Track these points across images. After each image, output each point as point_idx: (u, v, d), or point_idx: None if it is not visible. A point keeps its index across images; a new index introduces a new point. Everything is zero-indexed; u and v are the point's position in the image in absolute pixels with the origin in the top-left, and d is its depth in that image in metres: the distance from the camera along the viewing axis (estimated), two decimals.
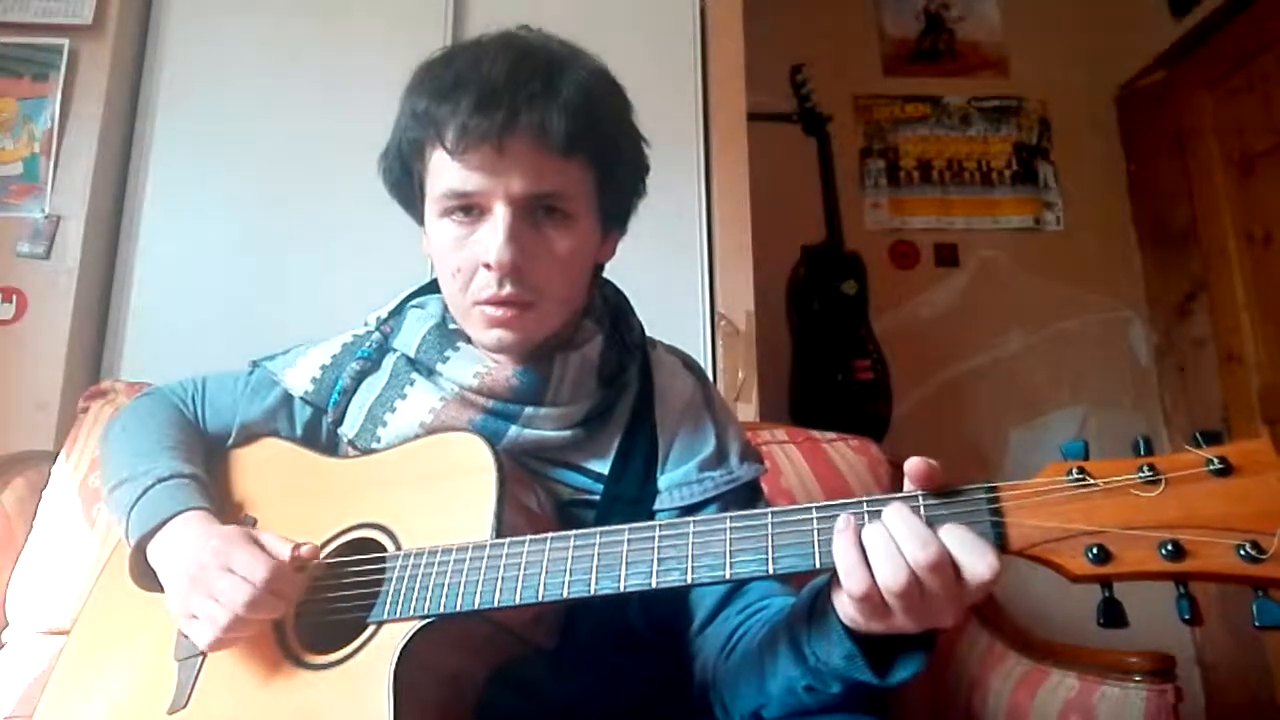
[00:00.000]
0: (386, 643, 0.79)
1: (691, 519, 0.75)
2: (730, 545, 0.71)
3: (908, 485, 0.69)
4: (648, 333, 1.09)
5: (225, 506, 1.00)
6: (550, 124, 0.85)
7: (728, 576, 0.70)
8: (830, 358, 2.55)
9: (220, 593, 0.82)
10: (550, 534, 0.78)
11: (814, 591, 0.77)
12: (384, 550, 0.87)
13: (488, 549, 0.79)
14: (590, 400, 0.98)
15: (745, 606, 0.92)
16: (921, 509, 0.66)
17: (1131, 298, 2.92)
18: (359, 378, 1.03)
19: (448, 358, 0.97)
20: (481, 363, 0.96)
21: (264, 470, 1.04)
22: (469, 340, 0.98)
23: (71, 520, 1.46)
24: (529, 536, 0.78)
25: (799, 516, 0.70)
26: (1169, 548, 0.58)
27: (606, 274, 1.08)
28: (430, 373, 0.99)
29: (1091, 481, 0.61)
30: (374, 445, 0.98)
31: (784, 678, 0.78)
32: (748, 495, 1.01)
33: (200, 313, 1.89)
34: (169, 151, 1.97)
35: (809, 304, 2.61)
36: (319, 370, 1.04)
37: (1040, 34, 3.08)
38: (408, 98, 0.92)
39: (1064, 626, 1.45)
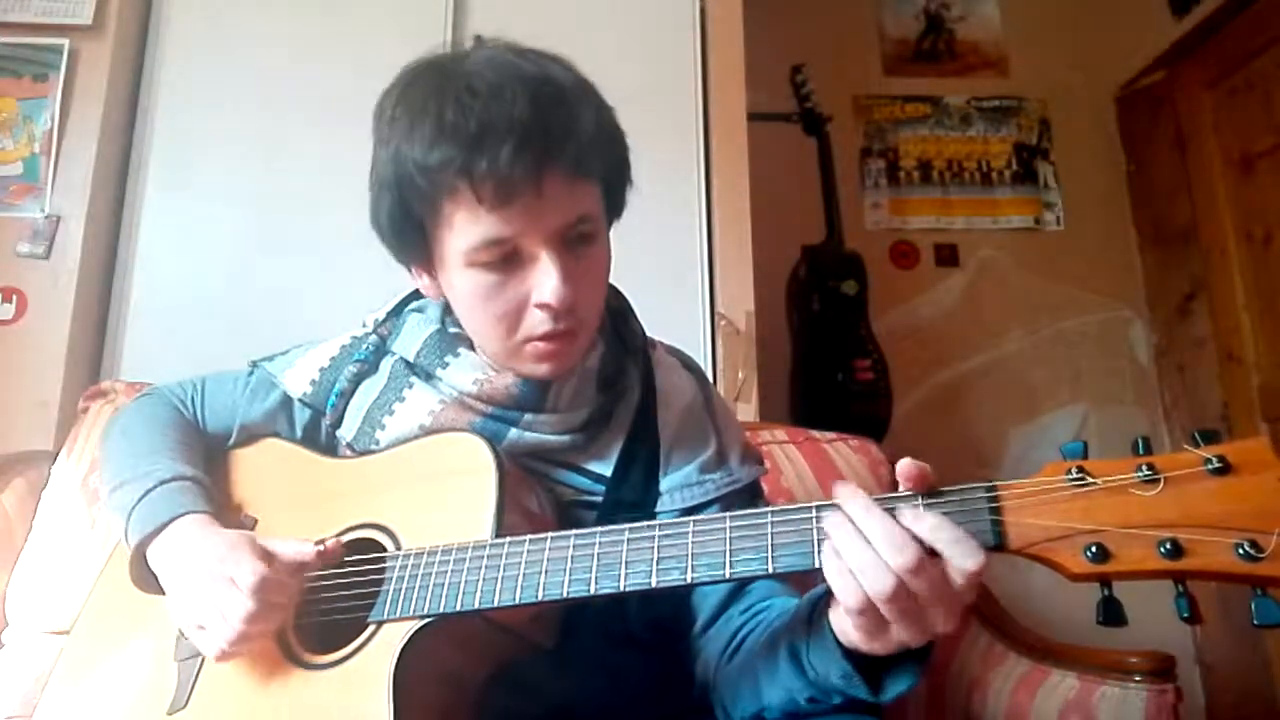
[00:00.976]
0: (387, 642, 0.79)
1: (691, 518, 0.75)
2: (730, 544, 0.71)
3: (902, 487, 0.69)
4: (648, 333, 1.09)
5: (225, 507, 1.00)
6: (581, 154, 0.84)
7: (727, 576, 0.70)
8: (830, 358, 2.55)
9: (227, 607, 0.83)
10: (550, 534, 0.78)
11: (811, 602, 0.77)
12: (384, 550, 0.87)
13: (488, 549, 0.79)
14: (589, 406, 0.97)
15: (748, 607, 0.92)
16: (921, 509, 0.66)
17: (1131, 298, 2.92)
18: (356, 380, 1.02)
19: (447, 363, 0.97)
20: (482, 370, 0.95)
21: (264, 471, 1.04)
22: (470, 346, 0.98)
23: (71, 520, 1.46)
24: (529, 536, 0.78)
25: (799, 516, 0.70)
26: (1167, 546, 0.58)
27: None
28: (429, 377, 0.99)
29: (1090, 481, 0.62)
30: (372, 447, 0.97)
31: (784, 688, 0.78)
32: (748, 497, 1.01)
33: (200, 313, 1.89)
34: (169, 152, 1.97)
35: (809, 304, 2.60)
36: (317, 372, 1.04)
37: (1040, 34, 3.08)
38: (406, 143, 0.85)
39: (1064, 626, 1.45)
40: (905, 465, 0.68)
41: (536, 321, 0.88)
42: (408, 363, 1.00)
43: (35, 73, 1.92)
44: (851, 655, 0.71)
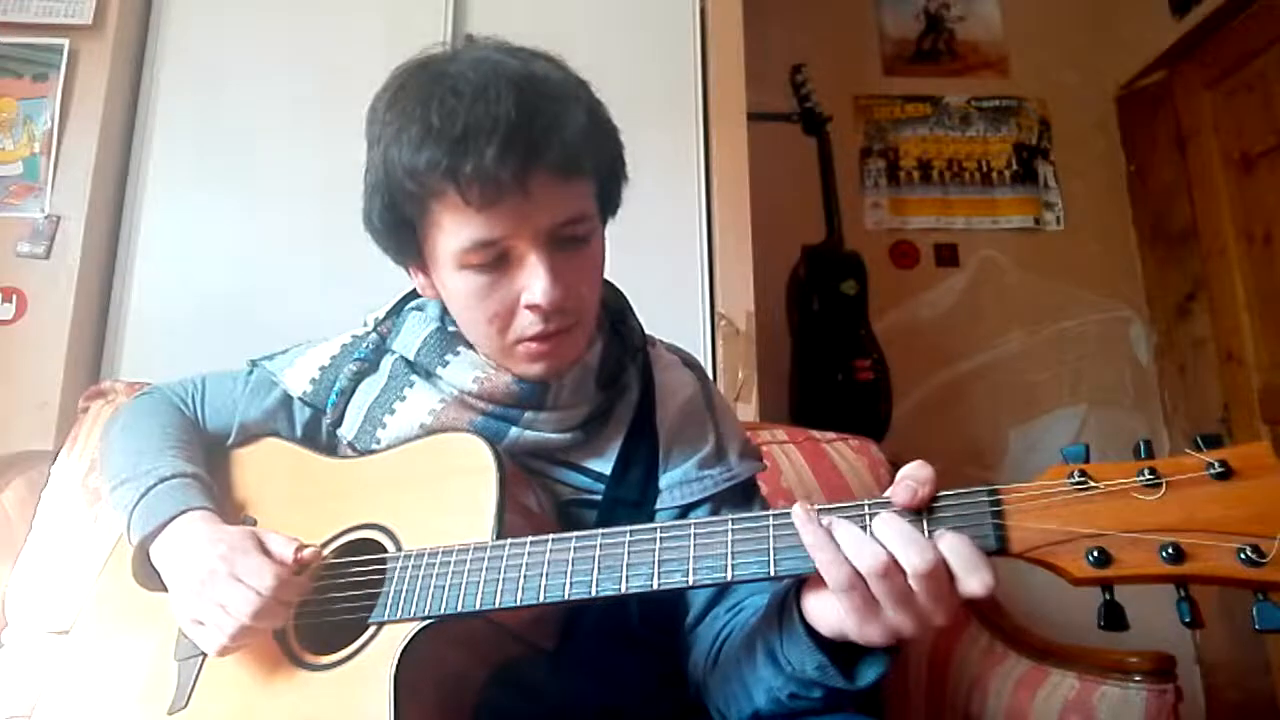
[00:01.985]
0: (387, 643, 0.79)
1: (693, 521, 0.75)
2: (732, 547, 0.71)
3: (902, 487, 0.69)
4: (647, 332, 1.09)
5: (225, 507, 1.00)
6: (569, 152, 0.83)
7: (729, 579, 0.70)
8: (830, 358, 2.55)
9: (228, 601, 0.83)
10: (551, 535, 0.78)
11: (780, 597, 0.77)
12: (385, 551, 0.87)
13: (489, 550, 0.79)
14: (590, 404, 0.98)
15: (733, 605, 0.92)
16: (923, 511, 0.66)
17: (1131, 298, 2.92)
18: (357, 379, 1.02)
19: (447, 362, 0.97)
20: (482, 368, 0.95)
21: (264, 470, 1.04)
22: (470, 345, 0.98)
23: (71, 520, 1.46)
24: (530, 538, 0.78)
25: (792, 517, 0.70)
26: (1169, 551, 0.58)
27: (606, 274, 1.08)
28: (429, 375, 0.99)
29: (1092, 484, 0.62)
30: (373, 447, 0.97)
31: (767, 688, 0.79)
32: (745, 493, 1.01)
33: (200, 313, 1.89)
34: (169, 151, 1.97)
35: (809, 304, 2.60)
36: (317, 371, 1.04)
37: (1040, 34, 3.08)
38: (395, 146, 0.85)
39: (1064, 626, 1.45)
40: (913, 468, 0.68)
41: (528, 323, 0.89)
42: (408, 361, 1.00)
43: (35, 73, 1.92)
44: (824, 645, 0.71)
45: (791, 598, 0.74)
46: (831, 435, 1.60)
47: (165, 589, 0.90)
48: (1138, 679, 1.16)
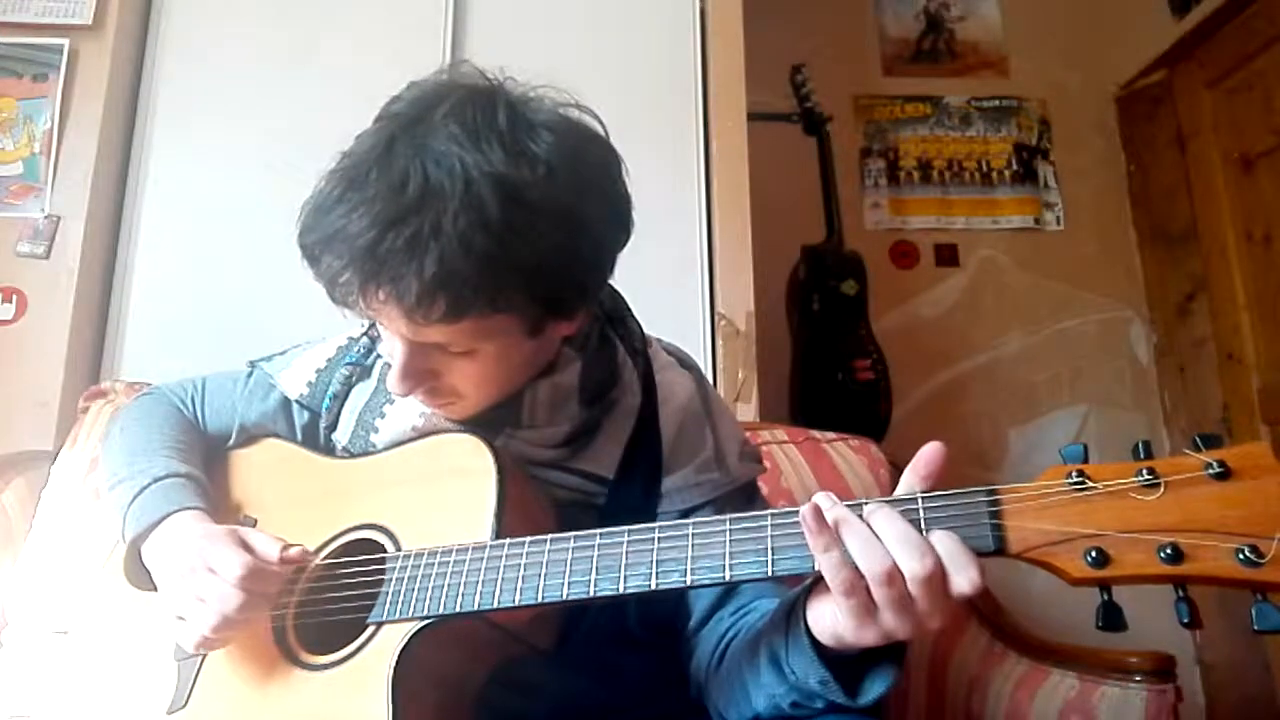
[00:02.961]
0: (386, 643, 0.79)
1: (691, 521, 0.75)
2: (730, 547, 0.71)
3: (907, 485, 0.69)
4: (646, 332, 1.08)
5: (225, 507, 1.00)
6: (414, 301, 0.77)
7: (727, 579, 0.70)
8: (830, 358, 2.55)
9: (204, 593, 0.83)
10: (550, 535, 0.78)
11: (788, 605, 0.76)
12: (384, 551, 0.87)
13: (487, 550, 0.79)
14: (572, 421, 0.95)
15: (738, 609, 0.92)
16: (921, 511, 0.66)
17: (1131, 298, 2.92)
18: (349, 383, 1.02)
19: (392, 405, 0.97)
20: (420, 411, 0.94)
21: (264, 471, 1.04)
22: None
23: (71, 520, 1.46)
24: (528, 538, 0.79)
25: (799, 518, 0.70)
26: (1168, 551, 0.58)
27: None
28: None
29: (1091, 485, 0.62)
30: (369, 450, 0.97)
31: (768, 694, 0.78)
32: (746, 496, 1.01)
33: (200, 313, 1.88)
34: (169, 151, 1.96)
35: (809, 304, 2.60)
36: (313, 374, 1.04)
37: (1040, 34, 3.07)
38: (312, 195, 0.85)
39: (1064, 626, 1.45)
40: (931, 450, 0.69)
41: None
42: None
43: (35, 73, 1.91)
44: (828, 659, 0.71)
45: (799, 606, 0.74)
46: (831, 435, 1.60)
47: (155, 588, 0.91)
48: (1138, 679, 1.16)
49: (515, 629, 0.84)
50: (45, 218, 1.86)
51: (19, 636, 1.43)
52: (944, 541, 0.63)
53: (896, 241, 2.92)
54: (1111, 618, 0.60)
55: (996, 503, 0.64)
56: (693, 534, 0.73)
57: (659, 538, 0.73)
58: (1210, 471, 0.59)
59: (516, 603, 0.76)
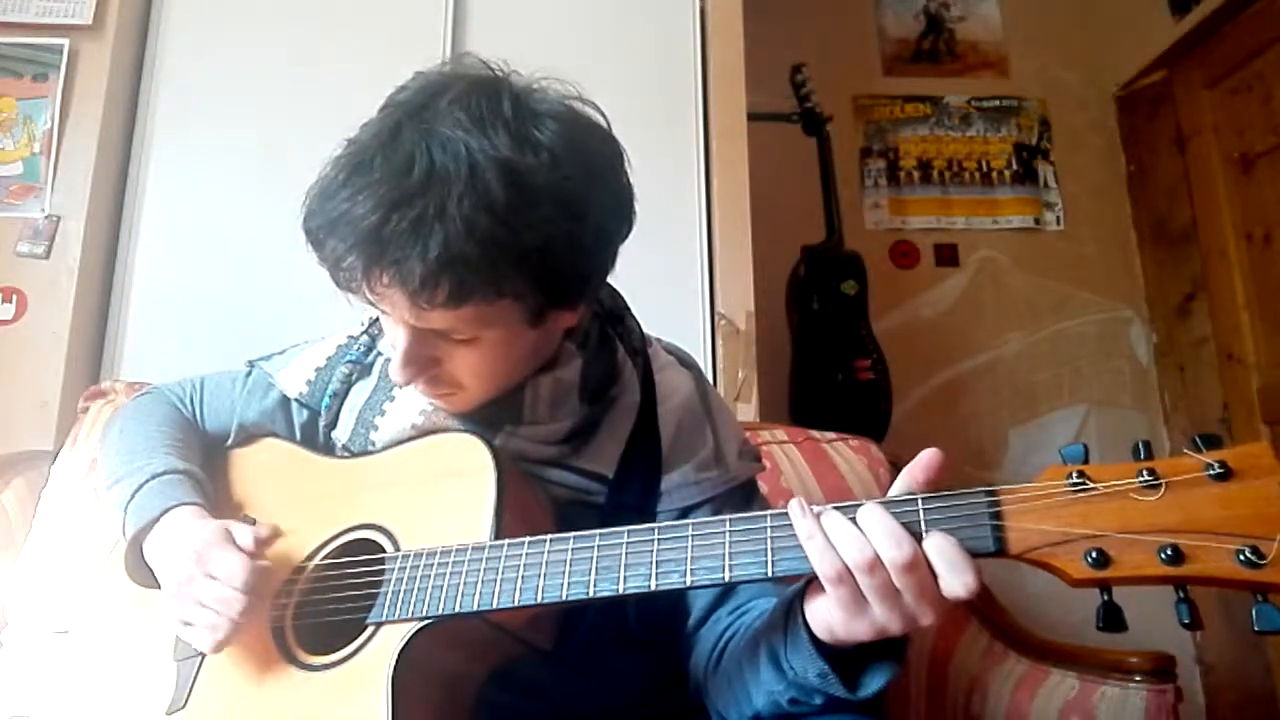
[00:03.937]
0: (385, 644, 0.79)
1: (691, 521, 0.75)
2: (729, 548, 0.71)
3: (903, 486, 0.69)
4: (646, 332, 1.08)
5: (224, 506, 1.00)
6: (417, 284, 0.77)
7: (727, 579, 0.70)
8: (830, 358, 2.55)
9: (209, 600, 0.83)
10: (549, 536, 0.78)
11: (787, 602, 0.77)
12: (383, 551, 0.87)
13: (486, 550, 0.79)
14: (574, 418, 0.95)
15: (736, 608, 0.92)
16: (920, 512, 0.66)
17: (1131, 298, 2.92)
18: (349, 381, 1.02)
19: (394, 398, 0.97)
20: (423, 407, 0.95)
21: (263, 471, 1.04)
22: None
23: (71, 520, 1.46)
24: (528, 538, 0.78)
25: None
26: (1168, 552, 0.58)
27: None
28: None
29: (1091, 485, 0.61)
30: (368, 449, 0.97)
31: (767, 690, 0.78)
32: (745, 494, 1.01)
33: (200, 313, 1.88)
34: (169, 152, 1.96)
35: (809, 304, 2.60)
36: (313, 372, 1.04)
37: (1040, 34, 3.08)
38: (316, 181, 0.84)
39: (1064, 626, 1.45)
40: (929, 455, 0.69)
41: None
42: None
43: (35, 73, 1.91)
44: (827, 653, 0.71)
45: (797, 603, 0.74)
46: (831, 435, 1.60)
47: (158, 585, 0.91)
48: (1138, 679, 1.16)
49: (514, 629, 0.83)
50: (45, 218, 1.86)
51: (19, 636, 1.43)
52: (940, 544, 0.64)
53: (896, 241, 2.93)
54: (1112, 619, 0.60)
55: (996, 503, 0.64)
56: (692, 535, 0.72)
57: (658, 538, 0.73)
58: (1210, 472, 0.59)
59: (516, 603, 0.76)
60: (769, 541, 0.70)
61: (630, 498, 0.95)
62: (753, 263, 1.95)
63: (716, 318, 1.92)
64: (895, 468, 1.52)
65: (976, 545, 0.63)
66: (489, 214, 0.76)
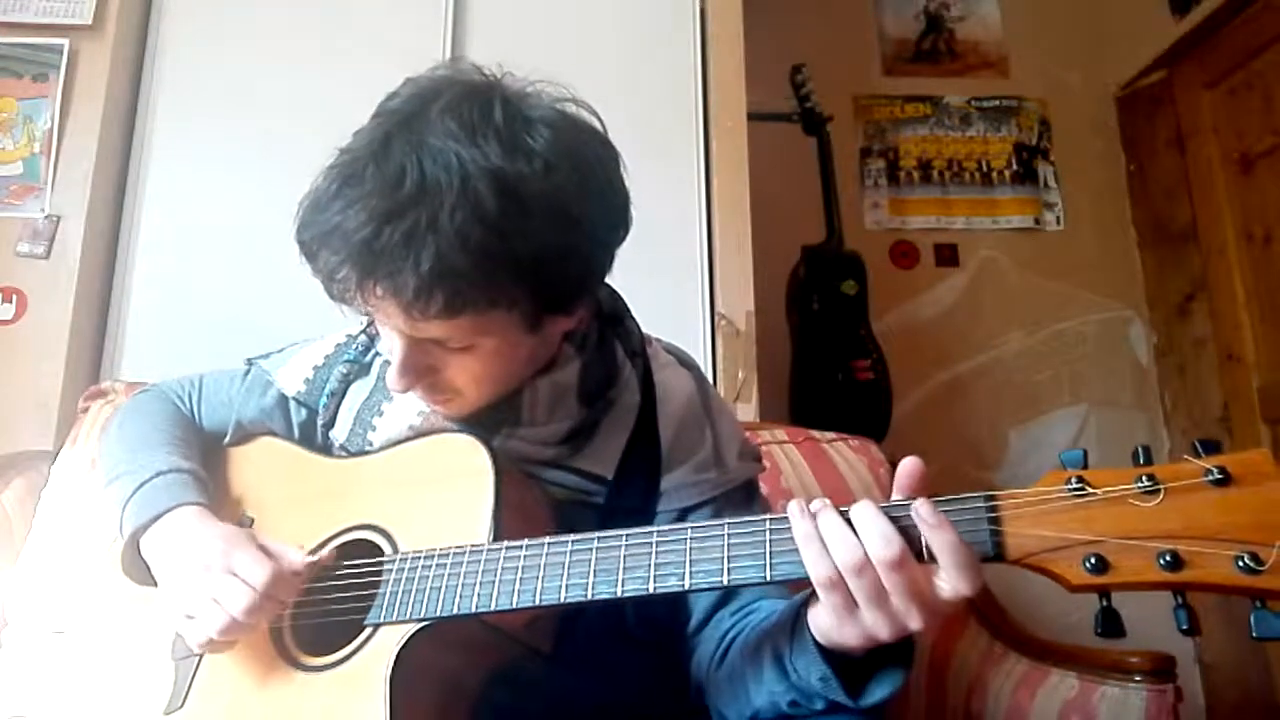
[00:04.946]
0: (383, 645, 0.79)
1: (689, 524, 0.75)
2: (728, 551, 0.71)
3: (902, 491, 0.69)
4: (646, 332, 1.08)
5: (222, 505, 1.00)
6: (411, 296, 0.77)
7: (725, 582, 0.70)
8: (830, 358, 2.55)
9: (222, 595, 0.83)
10: (548, 538, 0.78)
11: (795, 606, 0.77)
12: (381, 552, 0.87)
13: (485, 552, 0.79)
14: (572, 419, 0.95)
15: (739, 609, 0.92)
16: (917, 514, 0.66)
17: (1131, 298, 2.91)
18: (347, 381, 1.02)
19: (393, 400, 0.97)
20: (420, 409, 0.94)
21: (261, 469, 1.04)
22: None
23: (71, 520, 1.46)
24: (526, 540, 0.79)
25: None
26: (1167, 558, 0.58)
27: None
28: None
29: (1090, 491, 0.61)
30: (365, 449, 0.97)
31: (769, 692, 0.79)
32: (745, 495, 1.01)
33: (200, 313, 1.88)
34: (169, 151, 1.96)
35: (809, 304, 2.60)
36: (311, 371, 1.04)
37: (1040, 34, 3.07)
38: (309, 191, 0.84)
39: (1064, 627, 1.45)
40: (909, 463, 0.69)
41: None
42: None
43: (35, 73, 1.91)
44: (832, 659, 0.71)
45: (803, 607, 0.74)
46: (831, 435, 1.60)
47: (153, 583, 0.90)
48: (1138, 679, 1.16)
49: (513, 631, 0.84)
50: (45, 218, 1.86)
51: (18, 636, 1.43)
52: (948, 537, 0.64)
53: (896, 241, 2.92)
54: (1110, 624, 0.60)
55: (995, 509, 0.64)
56: (691, 538, 0.73)
57: (657, 541, 0.73)
58: (1210, 478, 0.59)
59: (514, 605, 0.76)
60: (768, 545, 0.70)
61: (630, 499, 0.95)
62: (753, 263, 1.94)
63: (716, 318, 1.92)
64: (895, 468, 1.52)
65: (975, 550, 0.63)
66: (481, 225, 0.76)
